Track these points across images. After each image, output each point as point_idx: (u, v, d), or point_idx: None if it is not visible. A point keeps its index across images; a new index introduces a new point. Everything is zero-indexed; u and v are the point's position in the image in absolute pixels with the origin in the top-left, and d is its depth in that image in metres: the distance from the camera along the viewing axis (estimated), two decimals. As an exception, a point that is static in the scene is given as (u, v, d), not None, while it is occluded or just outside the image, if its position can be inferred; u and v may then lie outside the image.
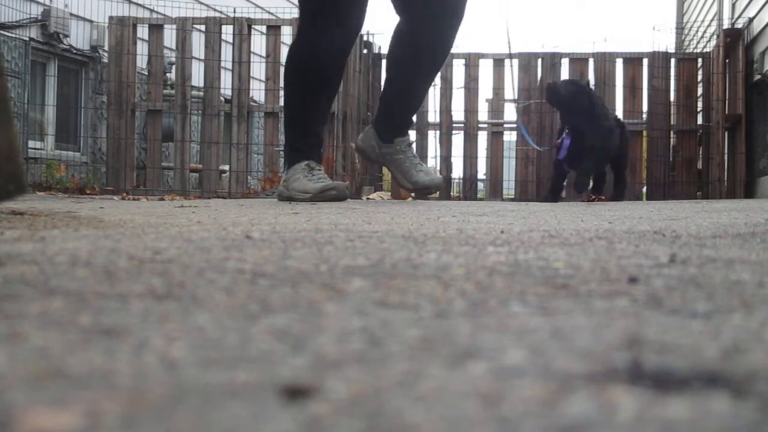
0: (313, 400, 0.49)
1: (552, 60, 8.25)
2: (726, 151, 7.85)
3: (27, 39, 8.55)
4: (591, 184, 7.11)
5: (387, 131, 4.77)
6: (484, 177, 9.12)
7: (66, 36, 8.99)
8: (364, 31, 8.47)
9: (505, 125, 8.67)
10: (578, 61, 8.18)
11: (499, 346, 0.65)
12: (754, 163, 7.54)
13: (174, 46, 8.10)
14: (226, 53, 7.99)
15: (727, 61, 7.85)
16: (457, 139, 8.58)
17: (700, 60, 8.25)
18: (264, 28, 8.23)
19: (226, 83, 8.04)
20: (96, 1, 9.15)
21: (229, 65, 8.02)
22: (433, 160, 10.58)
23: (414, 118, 5.07)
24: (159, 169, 8.14)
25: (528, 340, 0.68)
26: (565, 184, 7.40)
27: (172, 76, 8.81)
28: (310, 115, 4.57)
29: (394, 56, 4.72)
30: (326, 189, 4.29)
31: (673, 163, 8.20)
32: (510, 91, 8.39)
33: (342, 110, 7.68)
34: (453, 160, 8.62)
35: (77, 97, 9.48)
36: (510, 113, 8.76)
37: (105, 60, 8.83)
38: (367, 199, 7.14)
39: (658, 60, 8.13)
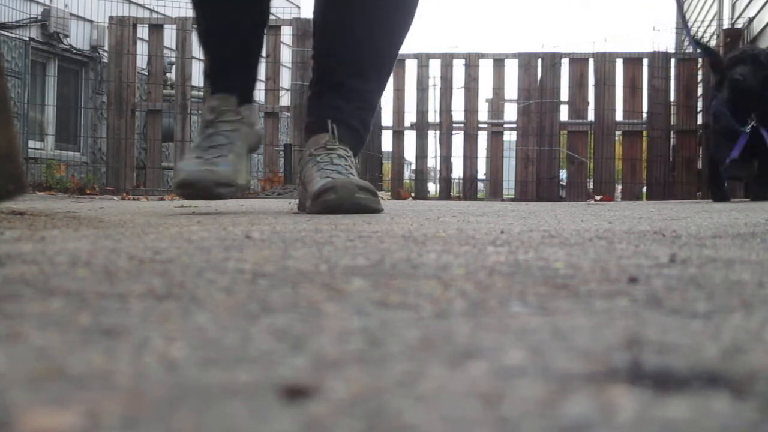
0: (313, 400, 0.49)
1: (552, 60, 8.25)
2: (726, 151, 7.84)
3: (27, 39, 8.54)
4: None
5: (309, 120, 3.14)
6: (484, 177, 9.12)
7: (66, 36, 8.98)
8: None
9: (505, 125, 8.67)
10: (578, 61, 8.19)
11: (499, 346, 0.65)
12: (754, 163, 7.53)
13: (174, 46, 8.10)
14: (226, 53, 7.99)
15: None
16: (457, 139, 8.59)
17: (700, 60, 8.25)
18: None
19: (226, 83, 8.03)
20: (96, 1, 9.15)
21: (229, 65, 8.01)
22: (433, 160, 10.58)
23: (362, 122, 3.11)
24: (159, 169, 8.14)
25: (528, 340, 0.68)
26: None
27: (172, 76, 8.81)
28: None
29: None
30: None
31: (673, 163, 8.20)
32: (510, 91, 8.40)
33: (342, 110, 7.67)
34: (453, 160, 8.63)
35: (77, 97, 9.48)
36: (510, 113, 8.77)
37: (105, 60, 8.82)
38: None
39: (658, 60, 8.13)
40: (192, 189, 2.92)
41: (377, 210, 2.79)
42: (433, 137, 8.62)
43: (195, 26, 3.25)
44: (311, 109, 3.16)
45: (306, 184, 2.98)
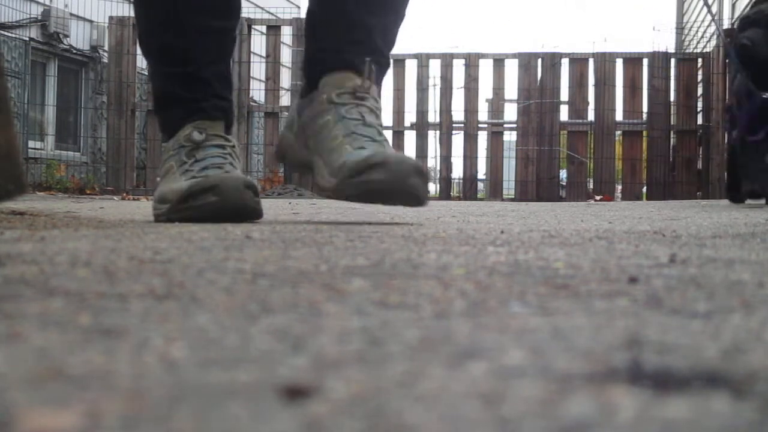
0: (313, 400, 0.49)
1: (552, 60, 8.25)
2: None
3: (27, 39, 8.54)
4: None
5: (311, 69, 2.33)
6: (484, 177, 9.13)
7: (66, 36, 8.98)
8: (364, 31, 8.48)
9: (505, 125, 8.67)
10: (578, 61, 8.19)
11: (499, 346, 0.65)
12: (754, 163, 7.53)
13: (174, 46, 8.10)
14: (226, 53, 8.00)
15: (726, 61, 7.85)
16: (457, 139, 8.59)
17: (700, 60, 8.25)
18: (264, 28, 8.23)
19: (226, 83, 8.04)
20: (96, 1, 9.15)
21: (229, 65, 8.02)
22: (433, 160, 10.59)
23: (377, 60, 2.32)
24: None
25: (528, 340, 0.68)
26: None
27: (172, 76, 8.81)
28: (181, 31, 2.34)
29: None
30: (198, 190, 2.06)
31: (673, 163, 8.20)
32: (510, 91, 8.40)
33: (342, 110, 7.68)
34: (453, 160, 8.63)
35: (77, 97, 9.48)
36: (510, 113, 8.77)
37: (105, 60, 8.83)
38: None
39: (658, 60, 8.14)
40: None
41: (424, 203, 2.17)
42: (433, 137, 8.63)
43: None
44: (312, 37, 2.35)
45: (324, 148, 2.18)
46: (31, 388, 0.51)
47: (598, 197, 7.78)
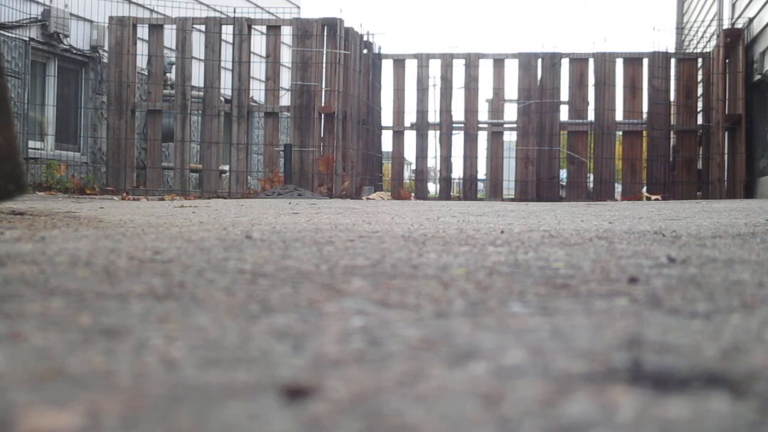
0: (313, 400, 0.49)
1: (552, 60, 8.25)
2: (726, 151, 7.85)
3: (27, 39, 8.55)
4: None
5: None
6: (484, 177, 9.12)
7: (66, 36, 8.99)
8: (364, 31, 8.49)
9: (505, 125, 8.67)
10: (578, 61, 8.18)
11: (499, 346, 0.65)
12: (754, 163, 7.54)
13: (174, 46, 8.10)
14: (226, 53, 8.00)
15: (727, 61, 7.85)
16: (457, 139, 8.59)
17: (700, 60, 8.25)
18: (264, 28, 8.23)
19: (226, 83, 8.04)
20: (96, 1, 9.16)
21: (229, 65, 8.02)
22: (433, 160, 10.62)
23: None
24: (159, 169, 8.14)
25: (528, 340, 0.68)
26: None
27: (172, 76, 8.81)
28: None
29: None
30: None
31: (673, 163, 8.20)
32: (510, 91, 8.40)
33: (342, 110, 7.67)
34: (453, 160, 8.63)
35: (77, 97, 9.49)
36: (510, 113, 8.77)
37: (105, 60, 8.84)
38: (367, 199, 7.14)
39: (658, 60, 8.13)
40: None
41: None
42: (433, 137, 8.62)
43: None
44: None
45: None
46: (31, 388, 0.51)
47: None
